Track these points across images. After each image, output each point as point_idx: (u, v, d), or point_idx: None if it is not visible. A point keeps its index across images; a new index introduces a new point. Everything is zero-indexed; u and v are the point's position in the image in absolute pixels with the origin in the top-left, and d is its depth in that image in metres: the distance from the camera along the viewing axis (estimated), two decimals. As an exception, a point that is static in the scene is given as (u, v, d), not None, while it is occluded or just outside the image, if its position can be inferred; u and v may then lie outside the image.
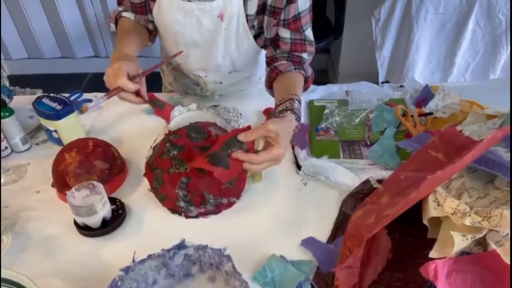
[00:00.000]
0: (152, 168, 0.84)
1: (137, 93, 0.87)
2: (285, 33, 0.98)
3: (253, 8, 0.95)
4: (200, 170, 0.78)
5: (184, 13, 0.95)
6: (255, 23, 0.99)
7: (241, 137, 0.76)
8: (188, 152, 0.80)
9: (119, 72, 0.82)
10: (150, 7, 1.00)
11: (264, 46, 1.07)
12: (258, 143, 0.94)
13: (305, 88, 1.02)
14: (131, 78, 0.85)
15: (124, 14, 1.05)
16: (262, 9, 0.96)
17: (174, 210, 0.83)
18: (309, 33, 1.00)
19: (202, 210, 0.82)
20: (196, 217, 0.82)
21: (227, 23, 0.96)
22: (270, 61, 1.03)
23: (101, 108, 1.15)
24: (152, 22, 1.06)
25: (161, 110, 0.97)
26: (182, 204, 0.81)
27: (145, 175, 0.86)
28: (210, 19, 0.96)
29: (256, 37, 1.02)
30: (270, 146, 0.76)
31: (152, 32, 1.09)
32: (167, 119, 0.99)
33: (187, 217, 0.83)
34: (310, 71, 1.00)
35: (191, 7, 0.94)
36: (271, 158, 0.76)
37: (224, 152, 0.74)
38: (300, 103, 0.88)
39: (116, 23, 1.07)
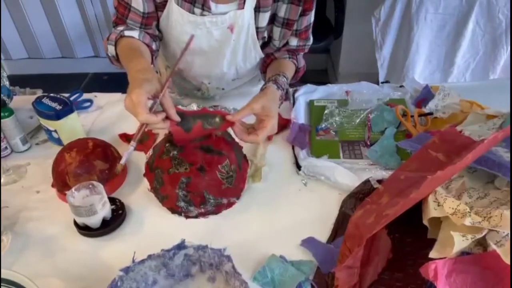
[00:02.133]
0: (152, 168, 0.84)
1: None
2: (293, 41, 1.03)
3: (264, 21, 0.96)
4: (199, 169, 0.79)
5: (195, 26, 0.94)
6: (265, 34, 1.00)
7: (229, 116, 0.80)
8: (188, 152, 0.80)
9: (138, 106, 0.70)
10: (157, 15, 0.96)
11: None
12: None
13: (296, 78, 1.07)
14: (154, 97, 0.74)
15: (127, 33, 0.92)
16: (271, 19, 0.98)
17: (174, 210, 0.83)
18: (311, 37, 1.06)
19: (202, 210, 0.82)
20: (196, 217, 0.82)
21: (236, 35, 0.97)
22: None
23: (101, 108, 1.15)
24: (157, 36, 0.99)
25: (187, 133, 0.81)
26: (182, 204, 0.81)
27: (145, 175, 0.86)
28: (220, 30, 0.95)
29: (263, 46, 1.03)
30: (262, 120, 0.82)
31: (154, 53, 0.98)
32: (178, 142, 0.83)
33: (187, 217, 0.82)
34: (302, 63, 1.05)
35: (203, 21, 0.93)
36: (269, 131, 0.82)
37: (194, 120, 0.80)
38: (286, 79, 0.94)
39: (115, 45, 0.93)
